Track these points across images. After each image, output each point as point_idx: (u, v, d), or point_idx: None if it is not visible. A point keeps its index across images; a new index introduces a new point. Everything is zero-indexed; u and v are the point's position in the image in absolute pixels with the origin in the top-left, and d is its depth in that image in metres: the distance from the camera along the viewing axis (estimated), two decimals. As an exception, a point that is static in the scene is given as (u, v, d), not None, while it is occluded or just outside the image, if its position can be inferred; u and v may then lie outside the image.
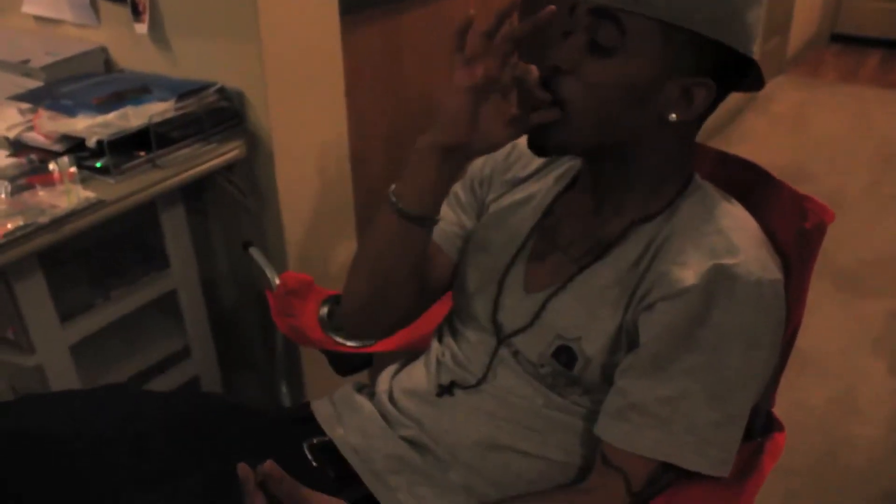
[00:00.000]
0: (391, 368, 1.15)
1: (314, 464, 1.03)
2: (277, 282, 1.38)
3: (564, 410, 0.96)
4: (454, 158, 0.94)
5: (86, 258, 1.54)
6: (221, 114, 1.49)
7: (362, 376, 1.36)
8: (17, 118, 1.45)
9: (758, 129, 3.93)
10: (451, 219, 1.13)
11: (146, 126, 1.37)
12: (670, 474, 0.91)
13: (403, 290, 1.04)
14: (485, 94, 0.90)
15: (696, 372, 0.87)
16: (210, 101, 1.47)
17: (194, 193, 1.61)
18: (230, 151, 1.49)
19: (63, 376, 1.43)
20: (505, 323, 1.01)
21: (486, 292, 1.05)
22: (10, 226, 1.20)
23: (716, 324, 0.86)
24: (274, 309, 1.36)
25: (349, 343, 1.31)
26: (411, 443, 1.01)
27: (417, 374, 1.09)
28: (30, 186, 1.30)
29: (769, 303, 0.88)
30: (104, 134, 1.33)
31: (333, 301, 1.36)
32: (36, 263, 1.32)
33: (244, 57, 1.44)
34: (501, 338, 1.01)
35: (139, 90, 1.47)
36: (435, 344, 1.11)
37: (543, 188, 1.08)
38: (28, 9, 1.72)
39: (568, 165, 1.08)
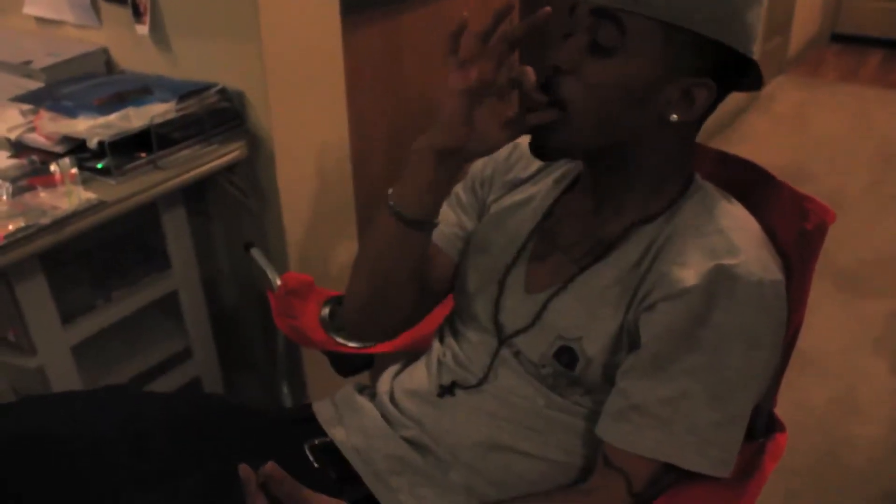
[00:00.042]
0: (392, 369, 1.15)
1: (315, 465, 1.03)
2: (278, 282, 1.38)
3: (565, 411, 0.96)
4: (451, 161, 0.94)
5: (87, 259, 1.54)
6: (222, 115, 1.49)
7: (363, 377, 1.36)
8: (19, 119, 1.45)
9: (758, 129, 3.93)
10: (451, 220, 1.13)
11: (147, 127, 1.38)
12: (671, 475, 0.91)
13: (403, 292, 1.05)
14: (480, 96, 0.90)
15: (696, 372, 0.87)
16: (211, 101, 1.47)
17: (195, 194, 1.61)
18: (231, 152, 1.49)
19: (64, 377, 1.43)
20: (506, 323, 1.01)
21: (486, 293, 1.05)
22: (11, 227, 1.20)
23: (717, 324, 0.86)
24: (275, 310, 1.36)
25: (350, 344, 1.31)
26: (412, 443, 1.01)
27: (418, 375, 1.09)
28: (31, 188, 1.30)
29: (770, 303, 0.88)
30: (105, 135, 1.33)
31: (335, 302, 1.36)
32: (37, 265, 1.32)
33: (245, 58, 1.44)
34: (503, 338, 1.01)
35: (140, 91, 1.47)
36: (436, 344, 1.11)
37: (544, 189, 1.08)
38: (29, 10, 1.72)
39: (568, 166, 1.08)
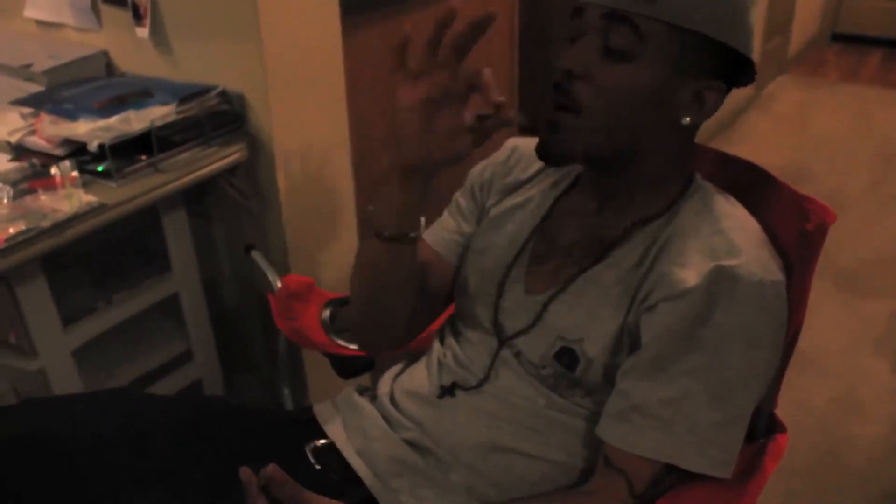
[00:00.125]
0: (393, 370, 1.16)
1: (316, 466, 1.03)
2: (279, 284, 1.38)
3: (566, 411, 0.96)
4: (417, 177, 0.92)
5: (88, 262, 1.54)
6: (223, 117, 1.49)
7: (364, 379, 1.36)
8: (19, 122, 1.45)
9: (758, 129, 3.93)
10: (451, 227, 1.13)
11: (148, 130, 1.38)
12: (672, 476, 0.91)
13: (399, 303, 1.05)
14: (436, 107, 0.87)
15: (697, 373, 0.87)
16: (211, 104, 1.47)
17: (196, 197, 1.61)
18: (231, 154, 1.49)
19: (65, 380, 1.43)
20: (506, 324, 1.02)
21: (486, 294, 1.05)
22: (12, 230, 1.20)
23: (717, 324, 0.86)
24: (276, 312, 1.36)
25: (351, 346, 1.31)
26: (413, 445, 1.01)
27: (419, 376, 1.09)
28: (32, 191, 1.30)
29: (770, 304, 0.88)
30: (106, 138, 1.34)
31: (336, 304, 1.36)
32: (38, 268, 1.33)
33: (245, 60, 1.44)
34: (503, 339, 1.01)
35: (140, 94, 1.47)
36: (436, 345, 1.12)
37: (543, 190, 1.08)
38: (30, 13, 1.72)
39: (568, 168, 1.08)
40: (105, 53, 1.64)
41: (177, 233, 1.58)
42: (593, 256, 0.97)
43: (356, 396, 1.11)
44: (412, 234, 0.97)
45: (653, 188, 0.96)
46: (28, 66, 1.60)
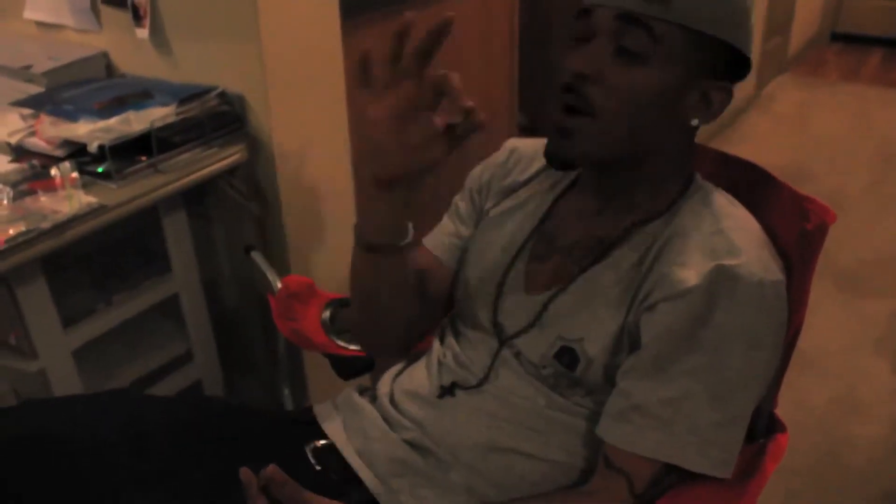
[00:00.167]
0: (393, 370, 1.16)
1: (317, 467, 1.03)
2: (279, 285, 1.38)
3: (567, 411, 0.96)
4: (397, 188, 0.91)
5: (88, 263, 1.54)
6: (223, 118, 1.49)
7: (364, 379, 1.36)
8: (19, 124, 1.45)
9: (758, 129, 3.93)
10: (450, 230, 1.14)
11: (148, 131, 1.38)
12: (672, 476, 0.91)
13: (397, 311, 1.06)
14: (407, 118, 0.86)
15: (697, 373, 0.87)
16: (211, 105, 1.47)
17: (196, 198, 1.61)
18: (231, 155, 1.49)
19: (66, 381, 1.43)
20: (506, 324, 1.02)
21: (485, 294, 1.05)
22: (12, 231, 1.20)
23: (718, 324, 0.86)
24: (276, 312, 1.36)
25: (351, 347, 1.31)
26: (413, 445, 1.01)
27: (418, 376, 1.09)
28: (32, 192, 1.30)
29: (771, 304, 0.88)
30: (106, 139, 1.34)
31: (336, 305, 1.36)
32: (38, 269, 1.33)
33: (245, 61, 1.44)
34: (503, 339, 1.01)
35: (140, 95, 1.47)
36: (436, 345, 1.12)
37: (543, 190, 1.08)
38: (30, 14, 1.73)
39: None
40: (105, 54, 1.65)
41: (177, 234, 1.58)
42: (593, 256, 0.97)
43: (356, 397, 1.11)
44: (399, 244, 0.97)
45: (653, 188, 0.97)
46: (28, 67, 1.60)
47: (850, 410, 2.15)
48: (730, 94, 0.92)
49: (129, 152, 1.37)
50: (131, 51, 1.60)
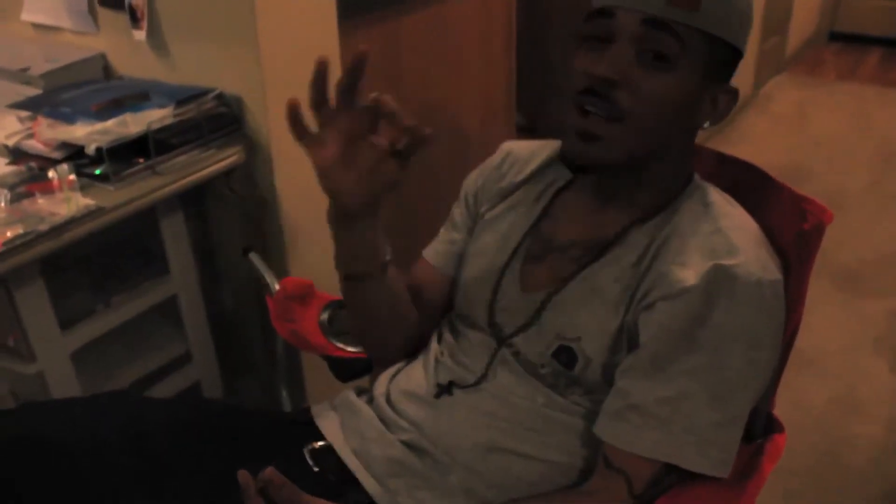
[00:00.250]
0: (389, 371, 1.15)
1: (315, 468, 1.03)
2: (277, 287, 1.38)
3: (565, 410, 0.96)
4: (362, 217, 0.96)
5: (86, 265, 1.54)
6: (220, 119, 1.49)
7: (363, 380, 1.36)
8: (17, 126, 1.45)
9: (757, 129, 3.93)
10: (447, 238, 1.15)
11: (145, 133, 1.38)
12: (672, 476, 0.91)
13: (394, 326, 1.11)
14: (352, 148, 0.89)
15: (696, 372, 0.87)
16: (209, 106, 1.47)
17: (194, 199, 1.61)
18: (229, 157, 1.49)
19: (64, 383, 1.43)
20: (503, 323, 1.02)
21: (482, 294, 1.05)
22: (9, 234, 1.20)
23: (716, 324, 0.86)
24: (274, 314, 1.36)
25: (350, 348, 1.31)
26: (410, 446, 1.01)
27: (416, 376, 1.09)
28: (29, 194, 1.30)
29: (769, 303, 0.88)
30: (103, 141, 1.34)
31: (334, 306, 1.35)
32: (36, 271, 1.32)
33: (242, 62, 1.44)
34: (501, 338, 1.01)
35: (138, 97, 1.47)
36: (433, 344, 1.12)
37: (539, 190, 1.08)
38: (27, 16, 1.73)
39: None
40: (102, 56, 1.65)
41: (175, 235, 1.58)
42: (591, 255, 0.97)
43: (354, 398, 1.11)
44: (373, 271, 1.02)
45: (654, 188, 0.97)
46: (25, 69, 1.60)
47: (849, 410, 2.15)
48: (735, 97, 0.94)
49: (126, 154, 1.37)
50: (129, 53, 1.60)
